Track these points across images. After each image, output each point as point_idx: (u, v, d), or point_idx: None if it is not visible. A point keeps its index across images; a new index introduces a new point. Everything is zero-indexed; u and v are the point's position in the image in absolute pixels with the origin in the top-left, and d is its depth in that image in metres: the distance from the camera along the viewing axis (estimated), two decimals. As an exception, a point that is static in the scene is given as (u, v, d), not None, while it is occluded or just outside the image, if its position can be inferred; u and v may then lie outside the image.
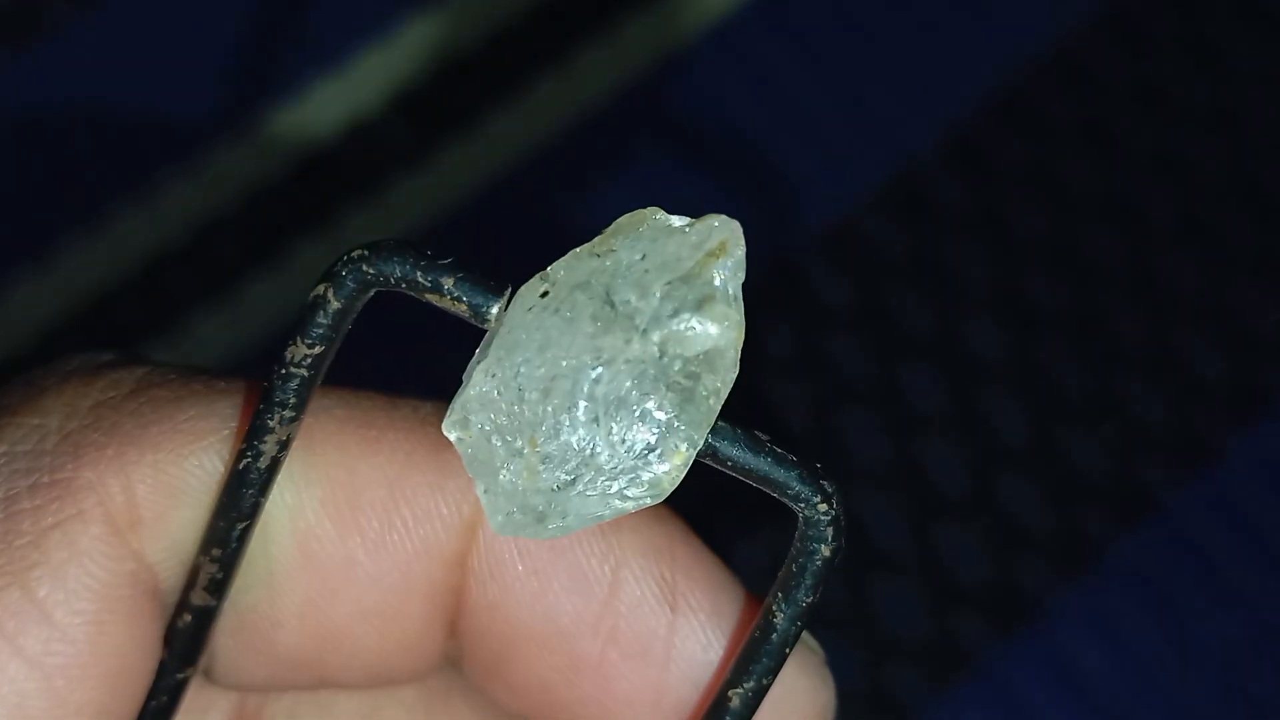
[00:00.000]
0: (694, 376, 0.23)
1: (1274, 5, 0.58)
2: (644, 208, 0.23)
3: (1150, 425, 0.54)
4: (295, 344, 0.24)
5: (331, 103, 0.56)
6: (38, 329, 0.54)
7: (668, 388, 0.23)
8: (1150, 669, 0.52)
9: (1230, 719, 0.51)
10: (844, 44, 0.58)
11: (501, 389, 0.23)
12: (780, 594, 0.25)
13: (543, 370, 0.23)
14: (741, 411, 0.24)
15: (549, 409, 0.23)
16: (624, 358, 0.23)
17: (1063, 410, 0.54)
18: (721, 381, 0.23)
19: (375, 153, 0.56)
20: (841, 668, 0.54)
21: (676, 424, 0.23)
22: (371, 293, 0.24)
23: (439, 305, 0.24)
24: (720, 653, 0.27)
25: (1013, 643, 0.52)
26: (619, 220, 0.23)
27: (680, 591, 0.27)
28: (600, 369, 0.23)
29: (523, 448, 0.23)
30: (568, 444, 0.23)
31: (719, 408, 0.23)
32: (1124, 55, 0.58)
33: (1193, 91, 0.57)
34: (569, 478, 0.23)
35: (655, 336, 0.23)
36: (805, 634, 0.27)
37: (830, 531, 0.24)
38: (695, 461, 0.24)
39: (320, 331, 0.24)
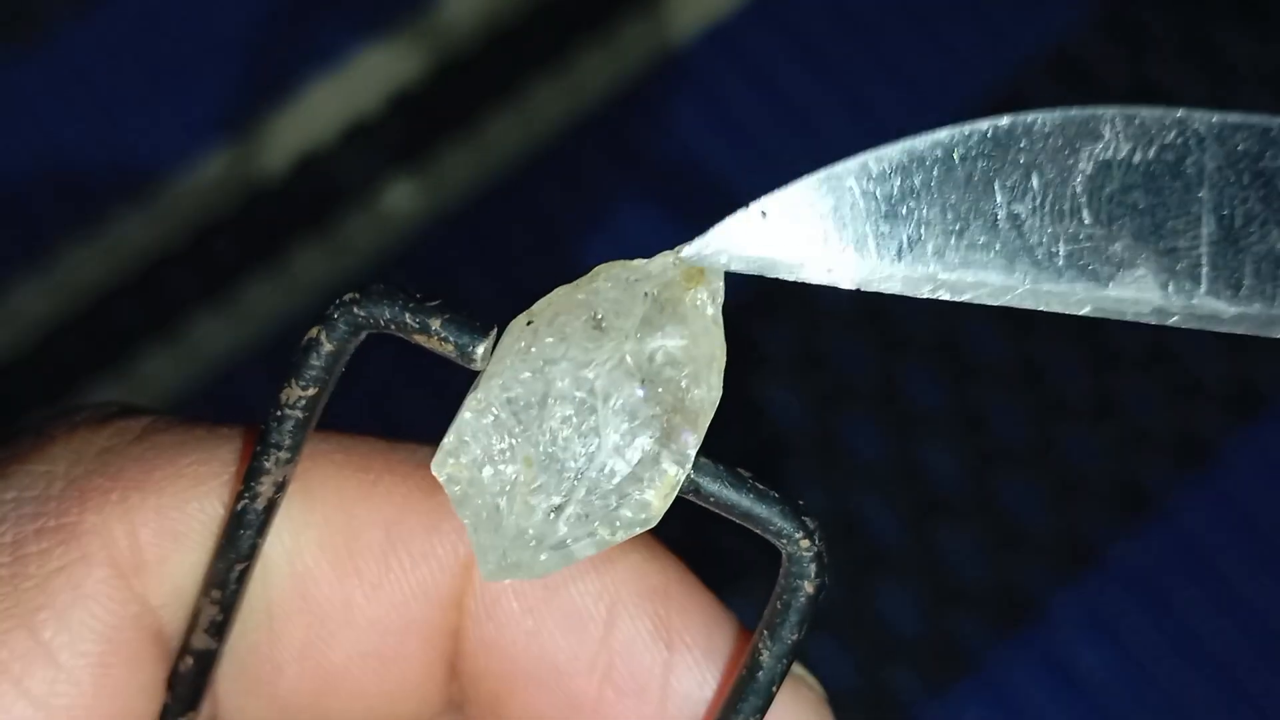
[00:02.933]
0: (679, 401, 0.23)
1: (1274, 5, 0.58)
2: (620, 259, 0.23)
3: (1150, 425, 0.54)
4: (290, 386, 0.25)
5: (330, 104, 0.56)
6: (38, 329, 0.54)
7: (654, 413, 0.23)
8: (1150, 669, 0.51)
9: (1230, 719, 0.51)
10: (844, 44, 0.58)
11: (492, 415, 0.24)
12: (766, 632, 0.25)
13: (532, 395, 0.24)
14: (742, 412, 0.24)
15: (539, 431, 0.23)
16: (610, 378, 0.23)
17: (1063, 410, 0.54)
18: (707, 404, 0.23)
19: (374, 154, 0.56)
20: (841, 668, 0.53)
21: (664, 449, 0.23)
22: (363, 335, 0.24)
23: (427, 346, 0.24)
24: (715, 689, 0.27)
25: (1013, 643, 0.52)
26: (598, 267, 0.24)
27: (675, 629, 0.27)
28: (586, 392, 0.23)
29: (515, 474, 0.23)
30: (560, 467, 0.23)
31: (704, 432, 0.24)
32: (1124, 55, 0.57)
33: (1193, 91, 0.57)
34: (561, 500, 0.24)
35: (639, 357, 0.23)
36: (805, 672, 0.27)
37: (813, 568, 0.24)
38: (678, 498, 0.24)
39: (314, 373, 0.24)
